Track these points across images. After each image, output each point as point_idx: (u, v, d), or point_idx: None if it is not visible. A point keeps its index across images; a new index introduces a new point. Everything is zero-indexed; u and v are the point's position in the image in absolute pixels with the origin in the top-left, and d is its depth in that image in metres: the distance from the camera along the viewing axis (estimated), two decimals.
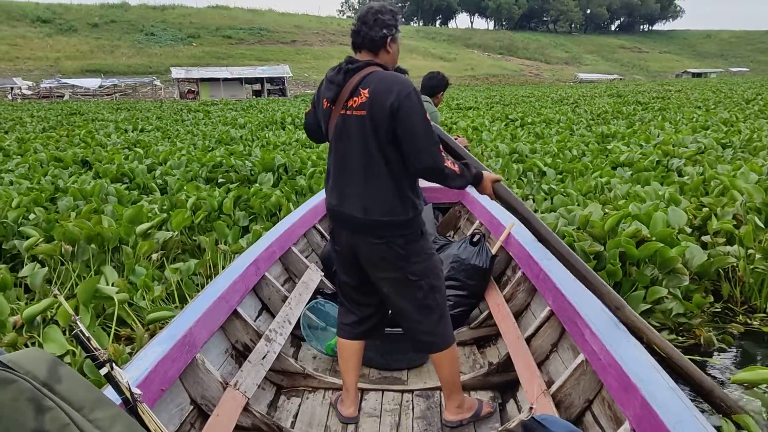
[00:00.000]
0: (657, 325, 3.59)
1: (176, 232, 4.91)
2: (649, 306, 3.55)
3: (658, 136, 9.76)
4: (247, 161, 8.05)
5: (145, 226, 4.72)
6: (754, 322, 3.81)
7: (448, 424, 2.47)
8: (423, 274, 2.22)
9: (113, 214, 5.18)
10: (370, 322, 2.46)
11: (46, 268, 4.18)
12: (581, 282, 2.44)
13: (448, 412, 2.45)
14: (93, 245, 4.47)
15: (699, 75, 76.54)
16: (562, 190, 6.13)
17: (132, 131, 15.45)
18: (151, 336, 3.36)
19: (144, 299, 3.70)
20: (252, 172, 7.62)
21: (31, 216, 5.17)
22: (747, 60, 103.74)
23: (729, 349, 3.50)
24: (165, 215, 5.27)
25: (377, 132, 2.07)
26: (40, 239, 4.54)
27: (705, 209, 4.78)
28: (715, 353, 3.46)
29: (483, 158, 8.61)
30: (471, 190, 4.06)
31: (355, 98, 2.11)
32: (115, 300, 3.29)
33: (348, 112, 2.13)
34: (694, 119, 13.64)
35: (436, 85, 4.47)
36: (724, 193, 5.14)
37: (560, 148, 9.21)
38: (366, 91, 2.09)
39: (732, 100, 21.10)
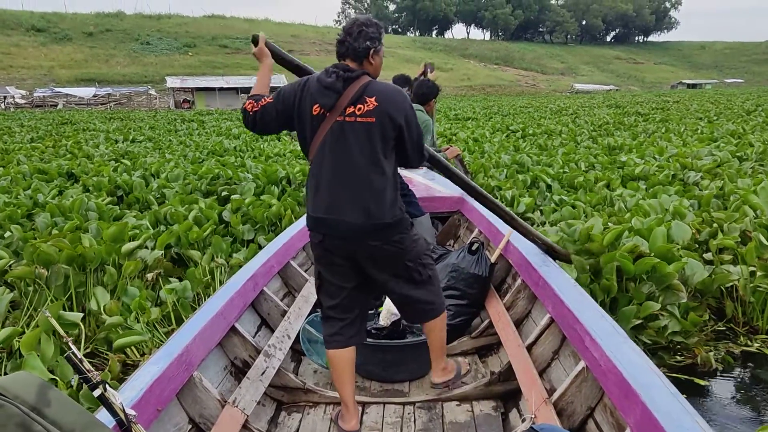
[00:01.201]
0: (648, 342, 3.48)
1: (161, 252, 4.56)
2: (639, 322, 3.43)
3: (667, 148, 9.43)
4: (247, 173, 7.84)
5: (132, 245, 4.39)
6: (755, 344, 3.66)
7: (435, 386, 2.62)
8: (416, 257, 2.37)
9: (98, 232, 4.80)
10: (357, 325, 2.46)
11: (12, 293, 3.81)
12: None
13: (435, 376, 2.61)
14: (74, 266, 4.07)
15: (694, 86, 76.69)
16: (572, 201, 6.00)
17: (122, 142, 15.05)
18: (123, 363, 3.29)
19: (138, 322, 3.50)
20: (256, 185, 7.36)
21: (7, 234, 4.80)
22: (742, 71, 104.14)
23: (727, 372, 3.40)
24: (151, 232, 4.93)
25: (385, 139, 2.19)
26: (11, 261, 4.16)
27: (714, 224, 4.62)
28: (715, 375, 3.35)
29: (487, 169, 8.31)
30: (469, 197, 4.27)
31: (359, 105, 2.17)
32: (82, 328, 3.18)
33: (349, 119, 2.18)
34: (699, 131, 13.36)
35: (427, 92, 4.47)
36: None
37: (567, 160, 8.94)
38: (373, 99, 2.17)
39: (732, 112, 20.93)
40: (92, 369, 1.25)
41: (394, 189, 2.27)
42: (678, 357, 3.50)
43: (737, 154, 8.40)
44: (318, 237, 2.30)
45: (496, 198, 5.85)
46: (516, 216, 3.10)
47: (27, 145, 13.44)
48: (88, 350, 3.49)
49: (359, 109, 2.18)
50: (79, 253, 4.08)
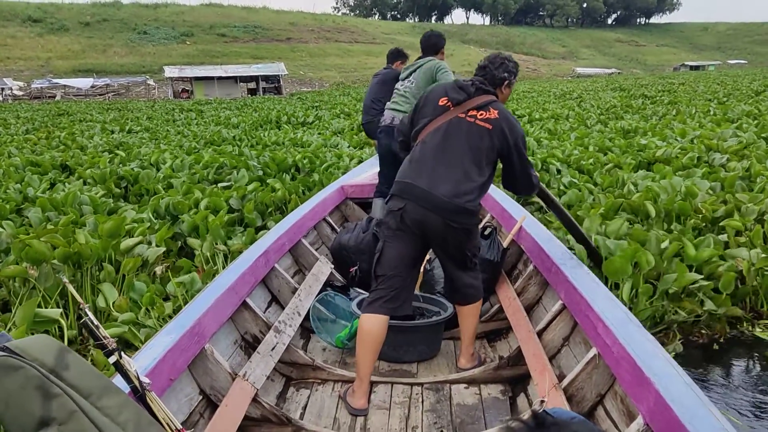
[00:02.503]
0: (682, 314, 3.50)
1: (162, 249, 4.33)
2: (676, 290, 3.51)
3: (689, 131, 9.07)
4: (255, 162, 7.77)
5: (131, 241, 4.13)
6: (756, 330, 3.58)
7: (461, 369, 2.79)
8: (474, 248, 2.69)
9: (95, 227, 4.54)
10: (402, 297, 2.56)
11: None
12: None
13: (463, 360, 2.83)
14: (69, 263, 3.84)
15: (697, 68, 75.77)
16: (582, 185, 5.93)
17: (118, 132, 14.71)
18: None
19: (150, 318, 3.36)
20: (264, 172, 7.31)
21: None
22: (744, 52, 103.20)
23: (730, 357, 3.38)
24: (148, 226, 4.69)
25: (493, 148, 2.50)
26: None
27: (728, 205, 4.63)
28: (716, 360, 3.34)
29: None
30: None
31: (482, 111, 2.51)
32: (64, 325, 3.13)
33: (469, 118, 2.51)
34: (711, 112, 12.98)
35: (436, 42, 4.43)
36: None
37: (579, 144, 8.68)
38: (496, 113, 2.51)
39: (741, 92, 20.53)
40: (108, 336, 1.25)
41: (481, 189, 2.52)
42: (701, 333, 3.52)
43: (762, 135, 8.05)
44: (398, 205, 2.49)
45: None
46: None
47: (20, 137, 13.09)
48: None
49: (481, 114, 2.51)
50: (74, 251, 3.81)
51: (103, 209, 5.57)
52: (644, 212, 4.70)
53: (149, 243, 4.50)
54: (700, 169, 6.11)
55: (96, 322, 1.25)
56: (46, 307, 3.41)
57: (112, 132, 14.75)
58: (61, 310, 3.23)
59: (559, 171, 6.89)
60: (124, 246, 4.08)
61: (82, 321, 1.25)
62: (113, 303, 3.51)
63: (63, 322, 3.24)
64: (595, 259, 3.56)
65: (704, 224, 4.48)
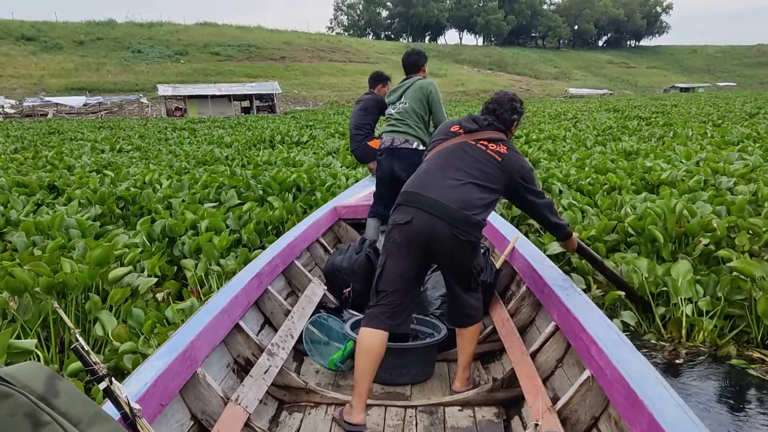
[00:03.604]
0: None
1: (153, 277, 4.14)
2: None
3: (696, 153, 8.94)
4: (256, 181, 7.84)
5: (120, 271, 3.91)
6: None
7: (456, 392, 2.76)
8: (479, 266, 2.67)
9: (84, 252, 4.35)
10: (403, 316, 2.57)
11: None
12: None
13: (459, 383, 2.79)
14: (53, 293, 3.62)
15: (687, 89, 76.43)
16: (582, 206, 5.98)
17: (108, 151, 14.46)
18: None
19: (150, 347, 3.23)
20: (264, 191, 7.34)
21: None
22: (734, 75, 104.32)
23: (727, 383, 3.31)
24: (141, 251, 4.53)
25: (498, 177, 2.54)
26: None
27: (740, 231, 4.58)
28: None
29: None
30: None
31: (493, 144, 2.59)
32: (41, 357, 3.08)
33: (480, 146, 2.58)
34: (708, 135, 12.90)
35: (416, 60, 4.42)
36: None
37: (580, 165, 8.65)
38: (506, 149, 2.59)
39: (735, 115, 20.59)
40: (98, 361, 1.24)
41: (487, 207, 2.53)
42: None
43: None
44: (405, 218, 2.47)
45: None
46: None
47: (6, 156, 12.79)
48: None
49: (492, 146, 2.57)
50: (59, 280, 3.58)
51: (91, 233, 5.36)
52: (648, 236, 4.69)
53: (141, 270, 4.33)
54: (706, 192, 5.99)
55: (87, 347, 1.24)
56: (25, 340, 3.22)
57: (102, 151, 14.51)
58: (35, 341, 3.10)
59: (561, 191, 6.89)
60: (112, 276, 3.87)
61: (72, 346, 1.24)
62: (112, 332, 3.37)
63: (40, 353, 3.14)
64: (643, 305, 3.58)
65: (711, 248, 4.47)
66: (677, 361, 3.54)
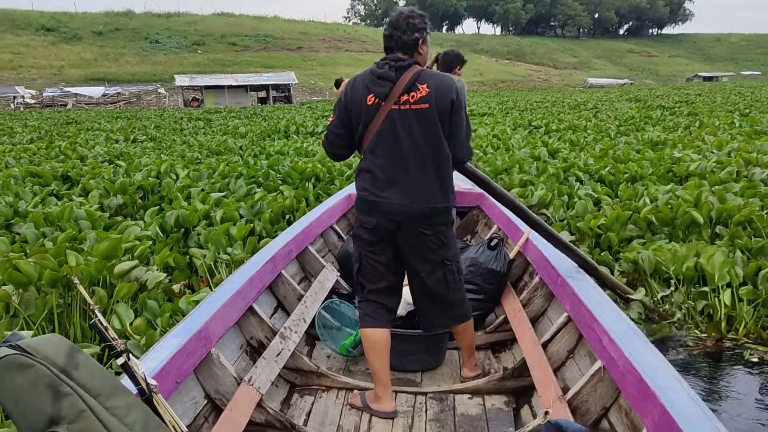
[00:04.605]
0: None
1: (162, 273, 4.01)
2: None
3: (727, 144, 8.64)
4: (276, 171, 7.92)
5: (125, 265, 3.76)
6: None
7: (466, 379, 2.77)
8: (454, 258, 2.51)
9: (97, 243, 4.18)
10: (395, 310, 2.61)
11: None
12: (555, 246, 2.90)
13: (467, 370, 2.80)
14: (58, 286, 3.54)
15: (710, 79, 75.01)
16: (600, 196, 5.91)
17: (122, 141, 14.37)
18: None
19: None
20: (284, 181, 7.46)
21: None
22: (758, 63, 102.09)
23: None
24: (149, 244, 4.40)
25: (441, 124, 2.31)
26: None
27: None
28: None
29: (522, 164, 8.02)
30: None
31: (413, 93, 2.31)
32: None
33: (404, 107, 2.31)
34: (736, 124, 12.48)
35: (453, 59, 4.61)
36: None
37: (603, 155, 8.44)
38: (425, 86, 2.31)
39: (763, 104, 20.03)
40: (116, 337, 1.27)
41: (445, 177, 2.38)
42: None
43: None
44: (370, 222, 2.40)
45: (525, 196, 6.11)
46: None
47: (20, 146, 12.75)
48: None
49: (413, 96, 2.31)
50: (64, 273, 3.49)
51: (100, 224, 5.27)
52: (685, 222, 4.70)
53: (148, 262, 4.23)
54: (738, 184, 5.73)
55: (105, 323, 1.26)
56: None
57: (116, 141, 14.44)
58: (32, 331, 3.04)
59: (581, 182, 6.81)
60: (117, 270, 3.73)
61: (91, 322, 1.26)
62: (130, 324, 3.32)
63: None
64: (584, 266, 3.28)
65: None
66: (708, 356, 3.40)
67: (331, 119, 2.52)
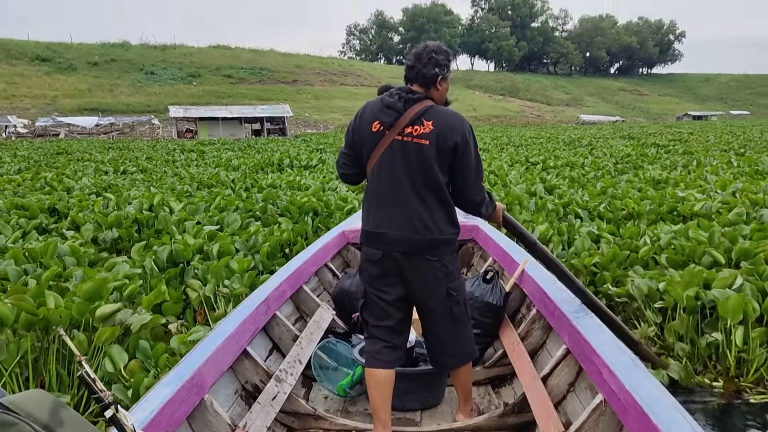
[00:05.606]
0: None
1: (149, 314, 3.74)
2: None
3: (723, 184, 8.50)
4: (275, 205, 7.79)
5: (108, 308, 3.48)
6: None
7: (459, 422, 2.66)
8: (460, 290, 2.49)
9: (83, 281, 3.93)
10: (400, 350, 2.52)
11: None
12: (586, 305, 2.73)
13: (462, 414, 2.71)
14: (36, 329, 3.29)
15: (700, 118, 76.13)
16: (601, 233, 5.80)
17: (112, 173, 14.11)
18: None
19: None
20: (282, 215, 7.30)
21: None
22: (747, 103, 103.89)
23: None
24: (140, 284, 4.20)
25: (438, 161, 2.31)
26: None
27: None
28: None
29: (522, 200, 7.93)
30: (483, 225, 4.58)
31: (416, 126, 2.31)
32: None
33: (406, 138, 2.33)
34: (734, 164, 12.40)
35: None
36: None
37: (602, 192, 8.41)
38: (430, 123, 2.30)
39: (756, 143, 20.13)
40: (104, 389, 1.25)
41: (446, 207, 2.37)
42: None
43: None
44: (376, 254, 2.38)
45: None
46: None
47: (5, 177, 12.45)
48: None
49: (416, 130, 2.30)
50: (41, 316, 3.21)
51: (84, 261, 5.00)
52: (705, 263, 4.52)
53: (134, 303, 3.97)
54: (749, 226, 5.53)
55: (93, 375, 1.23)
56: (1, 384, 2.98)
57: (105, 173, 14.17)
58: (4, 378, 2.93)
59: (581, 218, 6.74)
60: (99, 314, 3.45)
61: (78, 374, 1.23)
62: (124, 367, 3.16)
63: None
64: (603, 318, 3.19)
65: None
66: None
67: (342, 145, 2.58)
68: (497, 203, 2.67)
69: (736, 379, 3.41)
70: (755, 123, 49.99)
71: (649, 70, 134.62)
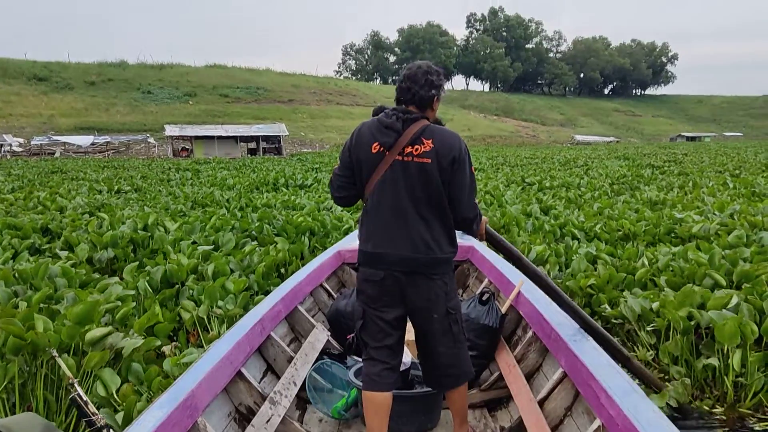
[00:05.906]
0: None
1: (141, 338, 3.66)
2: None
3: (721, 205, 8.48)
4: (271, 224, 7.77)
5: (98, 332, 3.39)
6: None
7: None
8: (457, 308, 2.50)
9: (74, 303, 3.87)
10: (398, 370, 2.51)
11: None
12: (573, 318, 2.71)
13: None
14: (25, 354, 3.20)
15: (693, 139, 76.77)
16: (598, 254, 5.74)
17: (105, 192, 14.02)
18: None
19: None
20: (279, 235, 7.24)
21: None
22: (740, 125, 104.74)
23: None
24: (133, 306, 4.16)
25: (442, 179, 2.34)
26: None
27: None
28: None
29: (520, 221, 7.93)
30: (479, 246, 4.56)
31: (416, 146, 2.35)
32: None
33: (406, 158, 2.35)
34: (730, 185, 12.41)
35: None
36: None
37: (599, 213, 8.42)
38: (430, 142, 2.34)
39: (751, 165, 20.18)
40: (96, 412, 1.32)
41: (446, 226, 2.40)
42: None
43: None
44: (377, 274, 2.37)
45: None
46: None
47: None
48: None
49: (416, 149, 2.34)
50: (28, 340, 3.12)
51: (76, 283, 4.90)
52: (706, 285, 4.43)
53: (125, 326, 3.90)
54: (749, 249, 5.46)
55: (85, 397, 1.24)
56: None
57: (99, 192, 14.09)
58: None
59: (578, 239, 6.71)
60: (89, 338, 3.36)
61: (70, 396, 1.26)
62: (116, 391, 3.07)
63: None
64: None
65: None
66: None
67: (336, 165, 2.57)
68: (483, 216, 2.69)
69: (736, 404, 3.35)
70: (749, 144, 50.34)
71: (643, 92, 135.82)
